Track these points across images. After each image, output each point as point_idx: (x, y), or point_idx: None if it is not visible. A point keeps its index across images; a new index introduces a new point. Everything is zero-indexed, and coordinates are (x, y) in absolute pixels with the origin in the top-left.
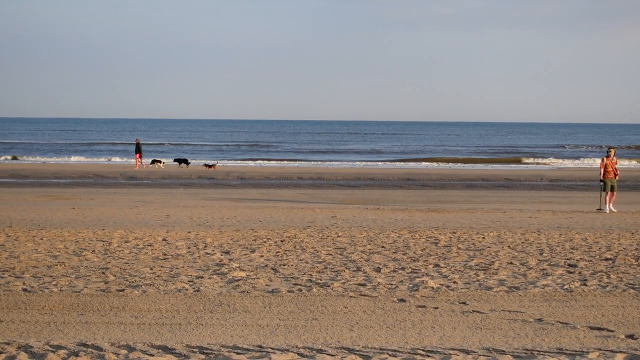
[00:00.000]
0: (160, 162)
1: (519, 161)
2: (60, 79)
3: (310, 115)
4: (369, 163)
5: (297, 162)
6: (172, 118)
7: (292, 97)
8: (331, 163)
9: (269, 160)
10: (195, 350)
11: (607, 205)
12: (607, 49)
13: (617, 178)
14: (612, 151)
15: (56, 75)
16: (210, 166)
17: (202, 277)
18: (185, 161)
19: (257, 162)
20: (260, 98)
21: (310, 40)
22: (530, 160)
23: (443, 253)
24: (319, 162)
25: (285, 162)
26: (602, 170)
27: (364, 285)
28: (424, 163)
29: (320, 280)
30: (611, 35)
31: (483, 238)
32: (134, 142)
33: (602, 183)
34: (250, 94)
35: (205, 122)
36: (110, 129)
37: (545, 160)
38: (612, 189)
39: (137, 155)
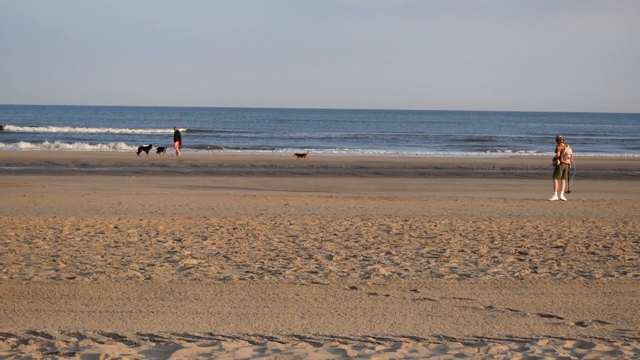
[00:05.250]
0: (163, 149)
1: None
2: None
3: (264, 103)
4: (320, 151)
5: (251, 150)
6: (116, 105)
7: (245, 84)
8: (284, 150)
9: (221, 147)
10: (145, 337)
11: (558, 193)
12: (554, 37)
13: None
14: (562, 138)
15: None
16: (301, 155)
17: (153, 265)
18: (153, 148)
19: (212, 150)
20: (212, 85)
21: (264, 28)
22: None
23: (395, 241)
24: (272, 150)
25: (239, 149)
26: (560, 154)
27: (315, 272)
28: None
29: (272, 267)
30: (558, 23)
31: (435, 226)
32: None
33: (559, 168)
34: (201, 82)
35: (151, 110)
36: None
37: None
38: (564, 176)
39: (177, 142)
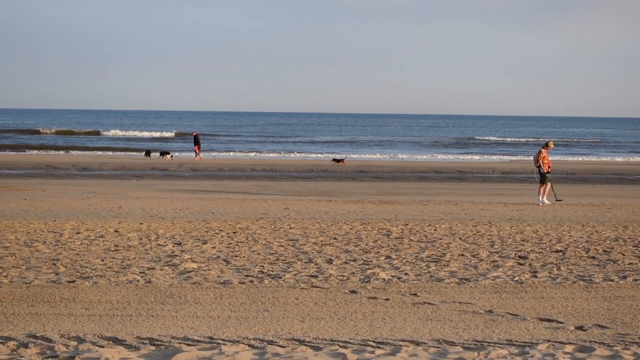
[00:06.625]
0: (168, 153)
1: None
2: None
3: (263, 107)
4: (322, 155)
5: (252, 154)
6: (114, 109)
7: (244, 88)
8: (285, 155)
9: (234, 151)
10: (145, 341)
11: (542, 197)
12: (553, 39)
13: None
14: (551, 143)
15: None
16: (338, 161)
17: (153, 269)
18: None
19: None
20: (212, 90)
21: (264, 32)
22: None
23: (395, 245)
24: (273, 154)
25: (239, 153)
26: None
27: (315, 276)
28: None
29: (272, 271)
30: (559, 27)
31: (435, 230)
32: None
33: (548, 175)
34: (199, 85)
35: (151, 114)
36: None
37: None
38: (545, 181)
39: (197, 147)
